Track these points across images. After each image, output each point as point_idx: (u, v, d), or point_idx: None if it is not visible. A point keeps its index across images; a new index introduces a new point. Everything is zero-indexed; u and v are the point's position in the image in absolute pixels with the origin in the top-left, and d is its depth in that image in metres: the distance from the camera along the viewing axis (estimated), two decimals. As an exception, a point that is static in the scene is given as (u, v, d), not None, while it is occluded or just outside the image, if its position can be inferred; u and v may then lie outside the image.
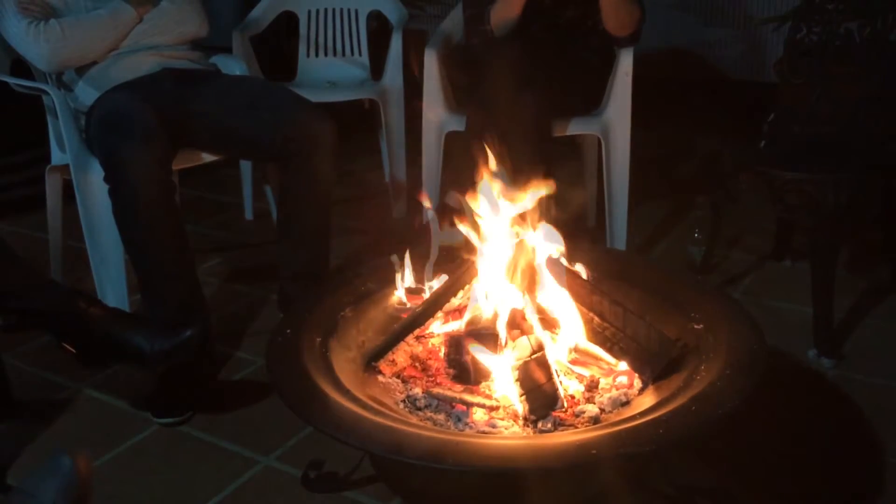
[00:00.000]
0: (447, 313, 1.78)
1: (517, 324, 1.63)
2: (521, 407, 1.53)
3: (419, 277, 1.84)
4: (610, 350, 1.63)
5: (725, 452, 1.76)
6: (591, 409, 1.55)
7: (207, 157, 2.45)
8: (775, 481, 1.76)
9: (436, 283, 1.81)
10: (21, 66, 2.49)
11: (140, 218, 2.06)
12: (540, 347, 1.58)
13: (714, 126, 3.43)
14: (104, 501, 1.75)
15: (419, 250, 1.86)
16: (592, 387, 1.63)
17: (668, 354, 1.58)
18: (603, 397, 1.59)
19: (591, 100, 2.69)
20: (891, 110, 2.40)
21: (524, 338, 1.59)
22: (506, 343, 1.60)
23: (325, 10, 3.42)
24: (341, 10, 3.42)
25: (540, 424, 1.52)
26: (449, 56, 2.79)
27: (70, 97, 2.37)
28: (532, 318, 1.64)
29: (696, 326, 1.65)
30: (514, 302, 1.65)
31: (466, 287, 1.71)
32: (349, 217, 3.08)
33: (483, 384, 1.62)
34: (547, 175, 1.75)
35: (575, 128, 2.59)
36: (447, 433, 1.48)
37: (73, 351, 1.91)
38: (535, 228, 1.71)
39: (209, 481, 1.82)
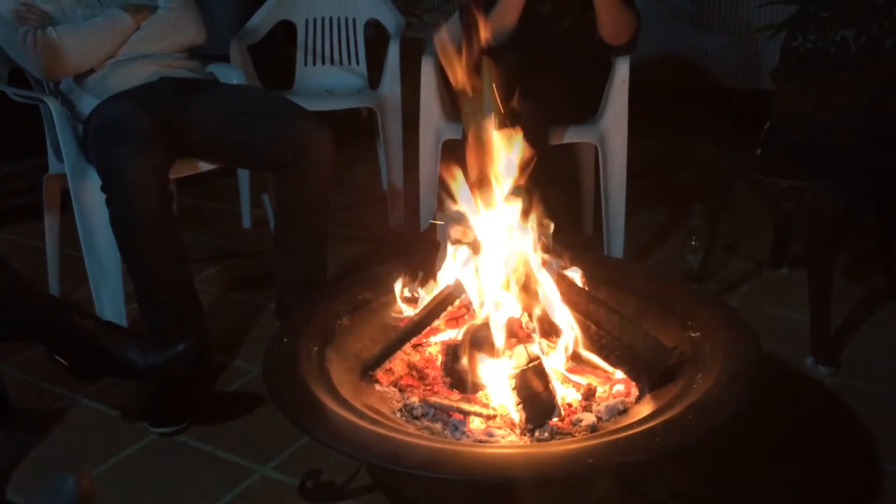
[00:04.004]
0: (445, 321, 1.78)
1: (514, 332, 1.63)
2: (518, 416, 1.53)
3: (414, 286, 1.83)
4: (607, 358, 1.63)
5: (723, 461, 1.76)
6: (589, 418, 1.55)
7: (205, 166, 2.46)
8: (773, 489, 1.76)
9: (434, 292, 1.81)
10: (18, 75, 2.49)
11: (137, 227, 2.06)
12: (537, 356, 1.58)
13: (710, 134, 3.43)
14: (101, 511, 1.75)
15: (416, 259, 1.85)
16: (589, 395, 1.63)
17: (665, 362, 1.58)
18: (600, 406, 1.59)
19: (588, 108, 2.69)
20: (886, 117, 2.41)
21: (521, 346, 1.59)
22: (503, 351, 1.59)
23: (323, 18, 3.42)
24: (339, 18, 3.43)
25: (537, 433, 1.51)
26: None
27: (67, 106, 2.37)
28: (529, 327, 1.64)
29: (693, 334, 1.65)
30: (511, 310, 1.65)
31: (463, 296, 1.71)
32: (347, 225, 3.09)
33: (480, 393, 1.62)
34: (544, 183, 1.75)
35: (572, 136, 2.59)
36: (444, 442, 1.48)
37: (66, 363, 1.91)
38: (533, 235, 1.71)
39: (206, 491, 1.81)
